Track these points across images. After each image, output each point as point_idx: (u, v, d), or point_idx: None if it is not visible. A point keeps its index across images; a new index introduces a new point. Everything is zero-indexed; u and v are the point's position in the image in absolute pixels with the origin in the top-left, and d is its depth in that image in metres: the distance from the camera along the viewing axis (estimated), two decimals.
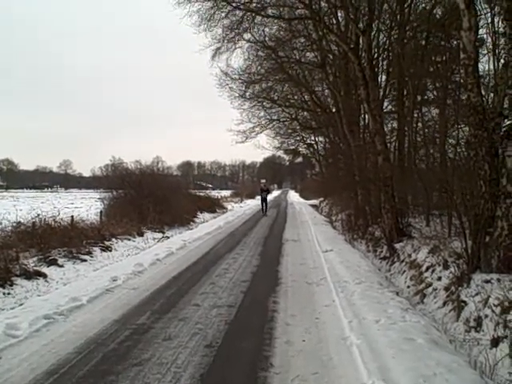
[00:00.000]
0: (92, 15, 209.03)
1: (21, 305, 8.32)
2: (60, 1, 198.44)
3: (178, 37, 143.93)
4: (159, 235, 18.85)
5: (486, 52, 13.79)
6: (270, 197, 46.86)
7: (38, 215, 15.12)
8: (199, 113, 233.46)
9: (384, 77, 21.04)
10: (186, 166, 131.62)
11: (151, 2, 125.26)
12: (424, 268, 10.01)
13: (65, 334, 6.65)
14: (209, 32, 20.48)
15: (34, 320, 7.00)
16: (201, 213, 29.63)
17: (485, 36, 13.49)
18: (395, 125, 21.49)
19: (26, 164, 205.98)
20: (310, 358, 5.80)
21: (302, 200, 66.13)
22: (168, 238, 18.55)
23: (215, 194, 47.27)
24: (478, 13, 10.36)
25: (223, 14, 19.26)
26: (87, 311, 7.90)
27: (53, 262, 11.72)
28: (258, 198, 37.11)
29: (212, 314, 7.69)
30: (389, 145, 18.61)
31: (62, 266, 11.73)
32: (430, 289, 9.06)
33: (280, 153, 60.79)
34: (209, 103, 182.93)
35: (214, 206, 35.66)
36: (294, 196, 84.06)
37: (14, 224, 14.31)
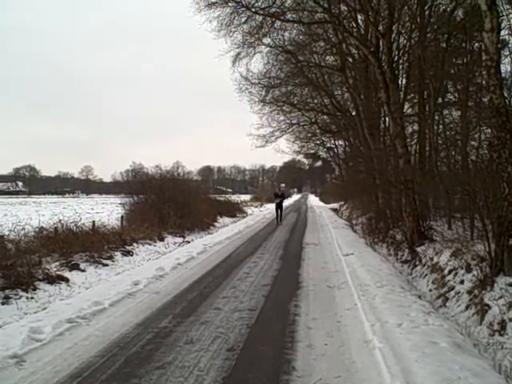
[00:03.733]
0: (93, 19, 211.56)
1: (44, 309, 8.39)
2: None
3: (197, 43, 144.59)
4: (180, 240, 18.92)
5: (508, 53, 13.69)
6: (289, 201, 46.50)
7: (60, 220, 15.29)
8: (219, 118, 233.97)
9: (404, 79, 20.98)
10: (206, 171, 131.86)
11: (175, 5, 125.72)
12: (446, 271, 9.93)
13: (88, 338, 6.69)
14: (228, 37, 20.66)
15: (57, 324, 7.05)
16: (221, 217, 29.74)
17: (507, 37, 13.39)
18: (416, 127, 21.40)
19: (47, 170, 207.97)
20: (332, 361, 5.77)
21: (321, 204, 65.94)
22: (188, 242, 18.62)
23: (235, 198, 47.34)
24: (500, 14, 10.27)
25: (243, 20, 19.38)
26: (109, 315, 7.93)
27: (75, 267, 11.79)
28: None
29: (233, 318, 7.68)
30: (409, 148, 18.51)
31: (83, 271, 11.80)
32: (452, 292, 8.99)
33: (300, 157, 61.09)
34: (229, 108, 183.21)
35: (234, 211, 35.70)
36: (313, 200, 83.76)
37: (37, 229, 14.47)
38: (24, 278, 9.74)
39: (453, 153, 16.53)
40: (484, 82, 10.36)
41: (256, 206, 50.45)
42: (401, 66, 20.84)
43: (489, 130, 10.89)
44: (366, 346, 6.22)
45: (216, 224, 26.82)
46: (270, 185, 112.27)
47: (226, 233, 21.43)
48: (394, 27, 17.22)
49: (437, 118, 17.91)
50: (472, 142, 14.91)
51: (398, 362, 5.47)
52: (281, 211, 28.30)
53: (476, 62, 14.84)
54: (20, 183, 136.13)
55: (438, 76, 16.68)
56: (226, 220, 29.99)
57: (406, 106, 21.53)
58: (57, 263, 11.77)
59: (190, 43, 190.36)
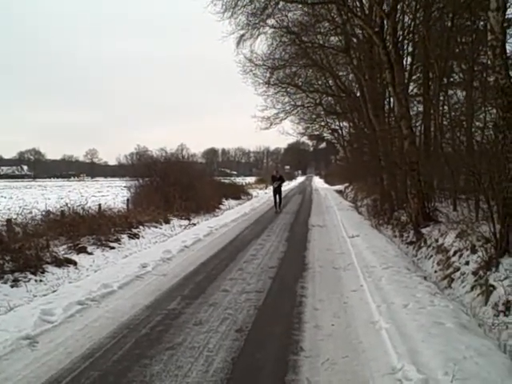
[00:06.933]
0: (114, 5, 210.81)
1: (53, 291, 8.50)
2: None
3: (202, 25, 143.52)
4: (185, 222, 19.00)
5: None
6: (294, 183, 45.90)
7: (67, 204, 15.36)
8: (223, 101, 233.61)
9: (409, 60, 20.86)
10: (211, 153, 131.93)
11: None
12: (451, 252, 9.96)
13: (98, 320, 6.79)
14: (233, 19, 20.48)
15: (67, 306, 7.15)
16: (226, 200, 29.77)
17: None
18: (421, 108, 21.30)
19: (52, 153, 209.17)
20: (339, 341, 5.84)
21: (326, 186, 65.99)
22: (194, 224, 18.67)
23: (240, 180, 47.39)
24: None
25: (247, 1, 19.20)
26: (119, 297, 8.03)
27: (82, 250, 11.90)
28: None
29: (241, 300, 7.77)
30: (414, 129, 18.45)
31: (91, 254, 11.91)
32: (457, 273, 9.02)
33: (304, 138, 60.89)
34: (233, 91, 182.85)
35: (239, 193, 35.80)
36: (318, 182, 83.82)
37: (44, 213, 14.54)
38: (32, 261, 9.86)
39: (458, 134, 16.46)
40: (489, 62, 10.29)
41: (261, 188, 50.47)
42: (406, 46, 20.69)
43: (494, 111, 10.83)
44: (373, 327, 6.29)
45: (221, 206, 26.87)
46: (274, 167, 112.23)
47: (232, 215, 21.50)
48: (398, 6, 17.07)
49: (442, 98, 17.81)
50: (477, 123, 14.84)
51: (405, 342, 5.54)
52: (280, 197, 25.27)
53: (481, 42, 14.72)
54: (25, 167, 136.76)
55: (443, 56, 16.55)
56: (232, 202, 30.03)
57: (410, 87, 21.42)
58: (64, 246, 11.87)
59: (196, 31, 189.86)
